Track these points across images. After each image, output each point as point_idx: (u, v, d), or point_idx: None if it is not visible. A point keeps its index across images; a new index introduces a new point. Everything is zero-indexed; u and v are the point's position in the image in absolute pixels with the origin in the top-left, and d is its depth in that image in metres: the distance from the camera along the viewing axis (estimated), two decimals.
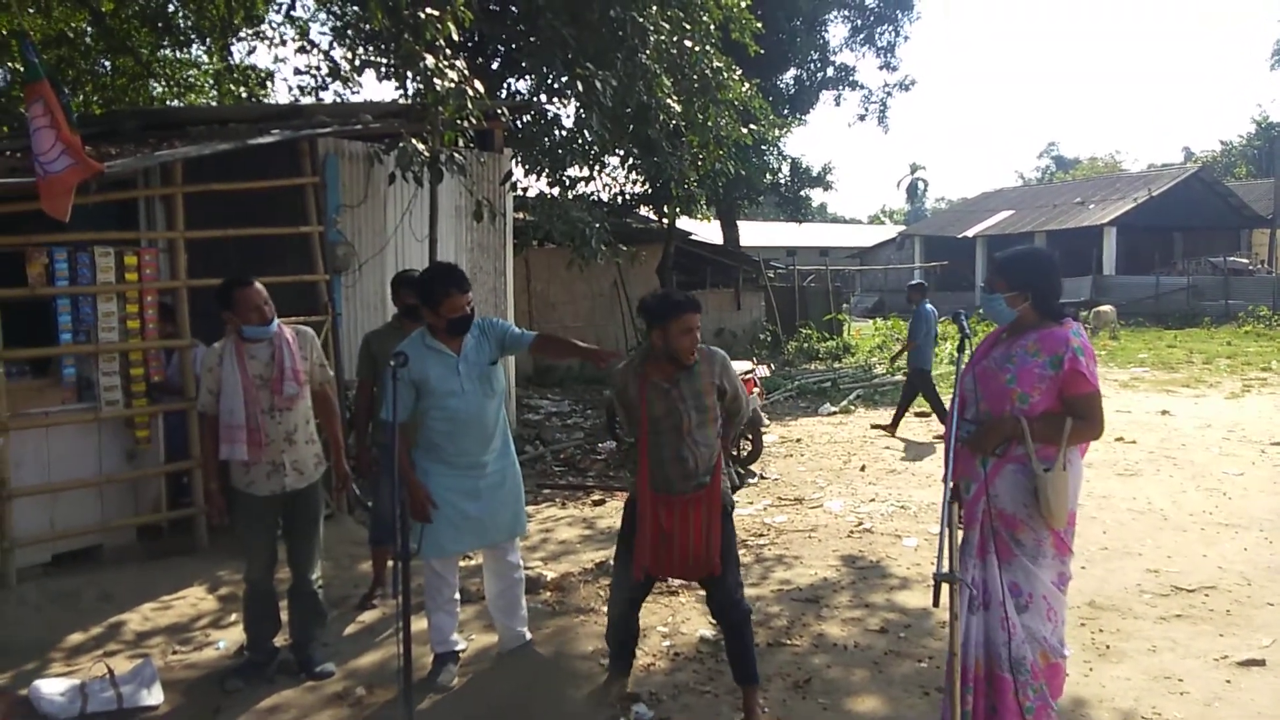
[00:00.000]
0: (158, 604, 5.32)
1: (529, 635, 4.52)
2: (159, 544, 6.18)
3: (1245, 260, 33.39)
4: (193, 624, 5.08)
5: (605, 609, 5.16)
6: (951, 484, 3.18)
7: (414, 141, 6.91)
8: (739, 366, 9.98)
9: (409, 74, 7.77)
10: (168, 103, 16.00)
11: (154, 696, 4.09)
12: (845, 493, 8.01)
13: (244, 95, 15.38)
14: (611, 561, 5.83)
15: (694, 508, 3.79)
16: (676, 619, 5.04)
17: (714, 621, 4.24)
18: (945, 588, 3.02)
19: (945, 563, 3.00)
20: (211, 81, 16.23)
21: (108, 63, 15.13)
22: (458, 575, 4.46)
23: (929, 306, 10.91)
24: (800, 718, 3.91)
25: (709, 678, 4.32)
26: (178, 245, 6.23)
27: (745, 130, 10.96)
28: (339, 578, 5.78)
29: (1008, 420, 3.28)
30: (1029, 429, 3.23)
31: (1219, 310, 26.34)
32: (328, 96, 13.90)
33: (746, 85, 10.71)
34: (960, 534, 3.28)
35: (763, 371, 10.74)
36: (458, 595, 4.47)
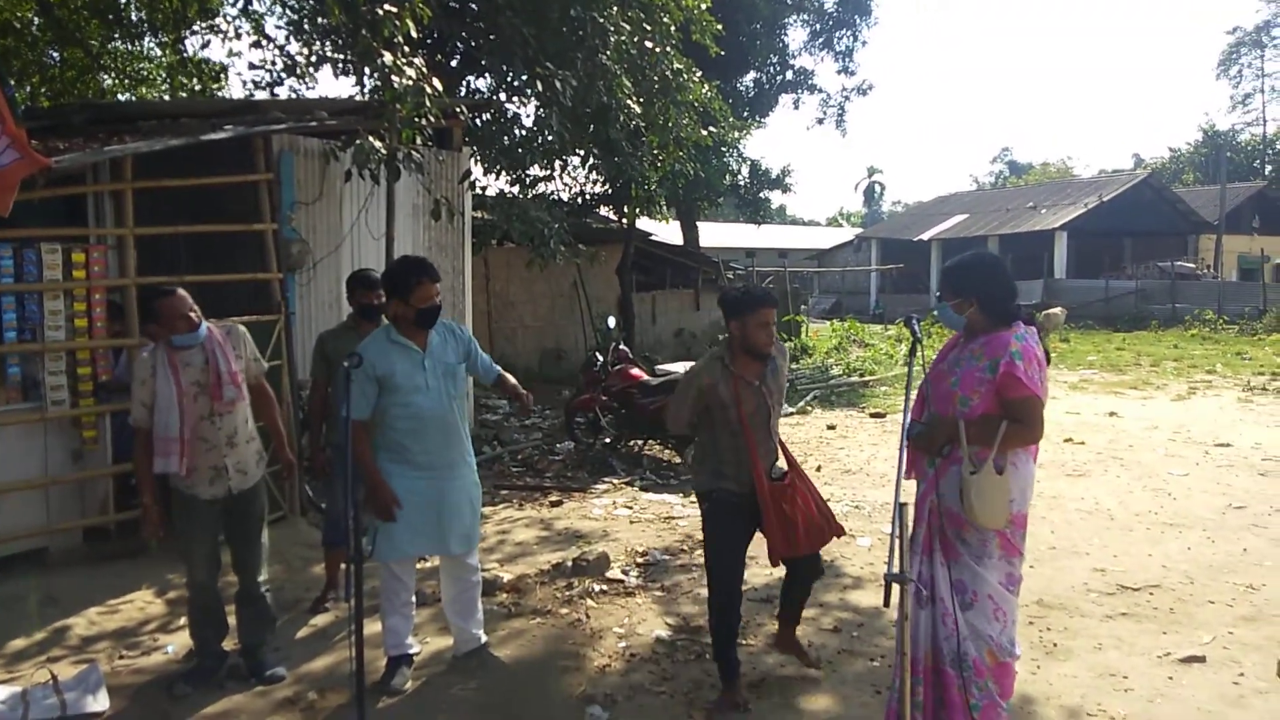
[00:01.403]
0: (104, 608, 5.22)
1: (484, 638, 4.50)
2: (106, 546, 6.06)
3: (1192, 265, 34.21)
4: (140, 628, 4.99)
5: (563, 610, 5.17)
6: (903, 486, 3.23)
7: (371, 139, 6.84)
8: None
9: (366, 70, 7.69)
10: (118, 96, 15.69)
11: (99, 703, 4.01)
12: None
13: (197, 89, 15.10)
14: (574, 563, 5.85)
15: (795, 488, 4.09)
16: (633, 620, 5.04)
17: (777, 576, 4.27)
18: (896, 588, 3.06)
19: (896, 563, 3.05)
20: (164, 75, 15.93)
21: (56, 54, 14.77)
22: (414, 578, 4.43)
23: None
24: (755, 717, 3.93)
25: (664, 678, 4.33)
26: (127, 242, 6.11)
27: (705, 132, 11.01)
28: (291, 580, 5.72)
29: (948, 421, 3.34)
30: (965, 430, 3.29)
31: (1166, 314, 26.94)
32: (283, 92, 13.70)
33: (706, 87, 10.76)
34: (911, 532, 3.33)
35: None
36: (414, 598, 4.43)
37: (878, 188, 75.71)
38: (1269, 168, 51.62)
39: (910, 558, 3.46)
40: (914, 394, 3.35)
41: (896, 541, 3.09)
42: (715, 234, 41.31)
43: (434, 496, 4.12)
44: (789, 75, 23.32)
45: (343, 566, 5.37)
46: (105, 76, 15.51)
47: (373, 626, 4.39)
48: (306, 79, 13.50)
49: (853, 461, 9.38)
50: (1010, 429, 3.26)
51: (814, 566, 4.29)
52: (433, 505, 4.12)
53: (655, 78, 9.74)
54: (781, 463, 4.17)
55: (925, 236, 39.27)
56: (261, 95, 13.40)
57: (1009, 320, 3.38)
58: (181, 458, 4.03)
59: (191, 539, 4.20)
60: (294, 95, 13.61)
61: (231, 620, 4.40)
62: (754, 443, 3.96)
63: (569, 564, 5.85)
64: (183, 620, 4.89)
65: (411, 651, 4.39)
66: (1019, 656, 3.53)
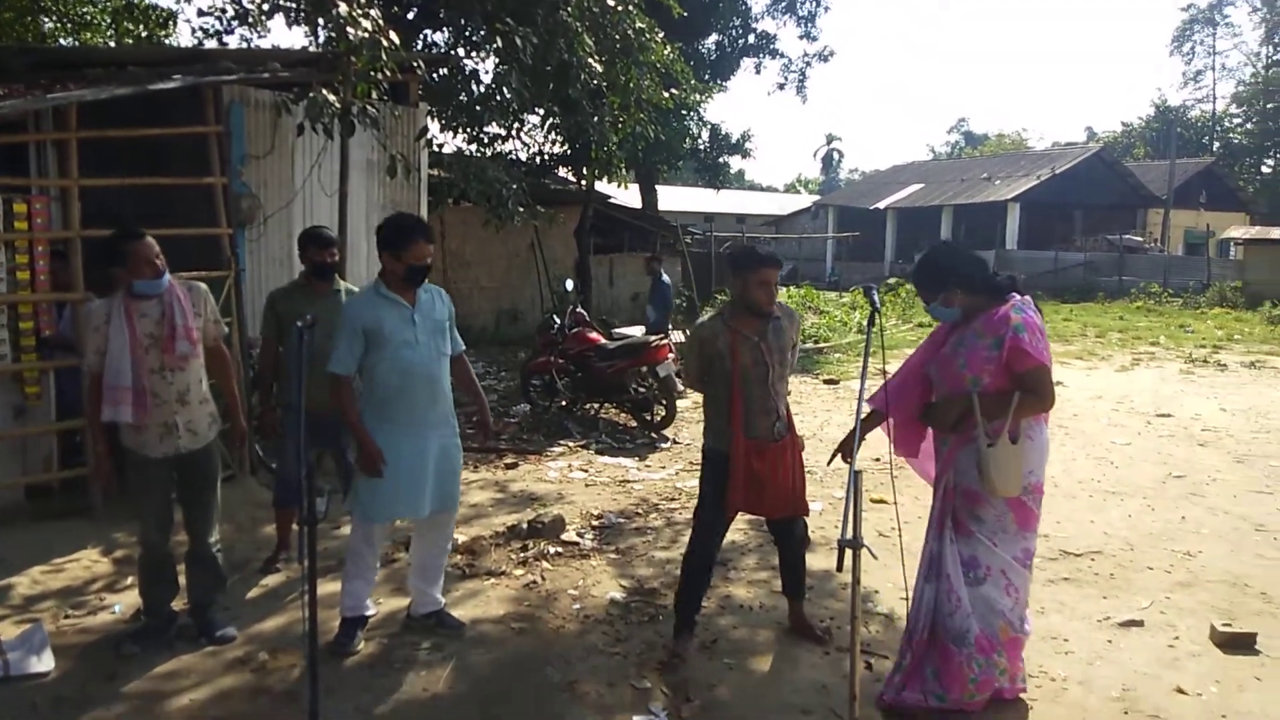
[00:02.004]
0: (49, 567, 5.12)
1: (444, 602, 4.49)
2: (50, 505, 5.94)
3: (1140, 239, 34.86)
4: (86, 587, 4.91)
5: (518, 572, 5.18)
6: (858, 455, 3.28)
7: (324, 92, 6.68)
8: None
9: (320, 20, 7.49)
10: (60, 40, 15.14)
11: (44, 663, 3.95)
12: None
13: (144, 36, 14.63)
14: (529, 525, 5.87)
15: (783, 454, 4.13)
16: (588, 582, 5.07)
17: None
18: (849, 553, 3.12)
19: (850, 529, 3.09)
20: (108, 20, 15.39)
21: None
22: (383, 544, 4.39)
23: (665, 278, 12.50)
24: (707, 677, 3.98)
25: (617, 640, 4.36)
26: (71, 194, 5.93)
27: (667, 94, 10.92)
28: (241, 540, 5.65)
29: (960, 398, 3.40)
30: (979, 404, 3.34)
31: (1113, 286, 27.48)
32: (233, 41, 13.34)
33: (668, 48, 10.64)
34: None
35: (678, 337, 10.82)
36: (378, 563, 4.40)
37: (836, 155, 75.87)
38: (1217, 144, 52.62)
39: (926, 533, 3.58)
40: (872, 362, 3.38)
41: (850, 509, 3.13)
42: (673, 198, 41.17)
43: (420, 456, 4.08)
44: (751, 39, 23.25)
45: (294, 527, 5.32)
46: (46, 20, 14.95)
47: (324, 588, 4.36)
48: (258, 28, 13.16)
49: (806, 428, 9.46)
50: (1023, 399, 3.33)
51: (789, 530, 4.36)
52: (419, 465, 4.08)
53: (617, 36, 9.61)
54: (784, 427, 4.18)
55: (881, 205, 39.54)
56: (211, 44, 13.02)
57: (1000, 293, 3.43)
58: (138, 408, 3.96)
59: (142, 498, 4.13)
60: (245, 45, 13.25)
61: (181, 580, 4.35)
62: (738, 396, 4.04)
63: (524, 526, 5.85)
64: (130, 580, 4.84)
65: (368, 614, 4.37)
66: (1029, 634, 3.66)
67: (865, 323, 3.53)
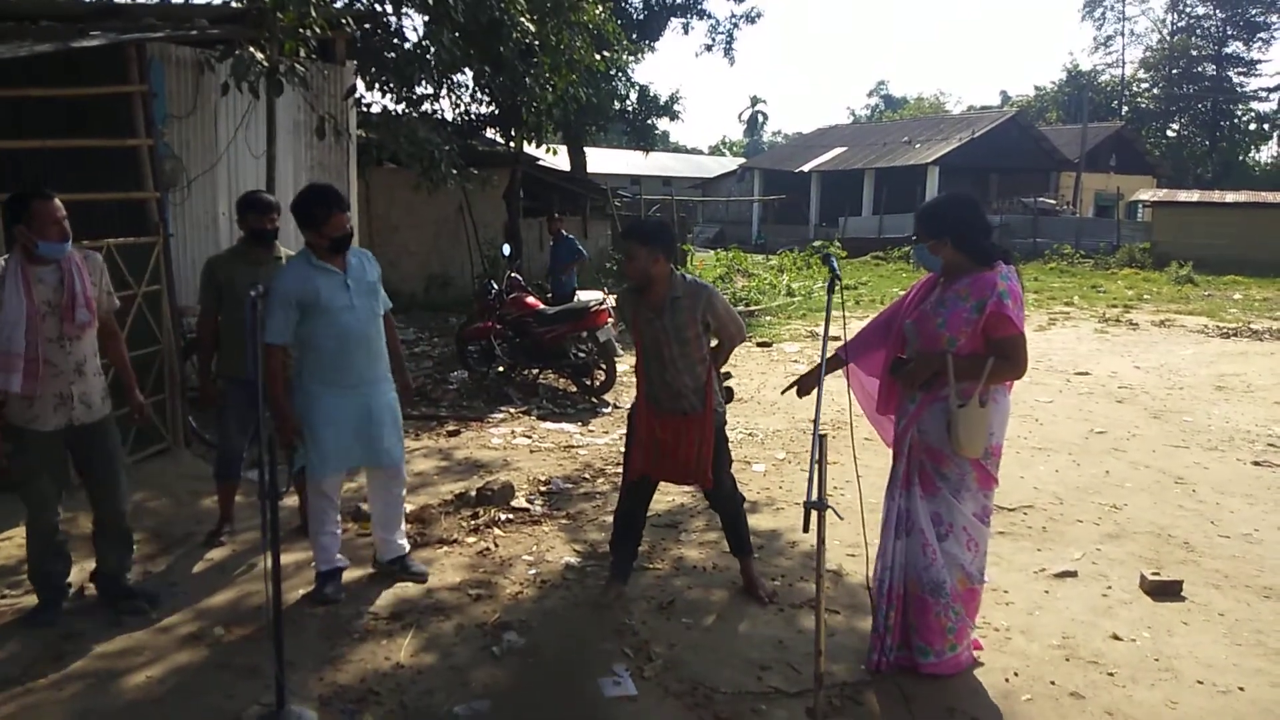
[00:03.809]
0: None
1: (407, 547, 4.63)
2: None
3: (1053, 201, 35.89)
4: (21, 566, 4.72)
5: (470, 539, 5.17)
6: (820, 418, 3.34)
7: (251, 49, 6.46)
8: (591, 296, 10.01)
9: None
10: None
11: None
12: None
13: None
14: (478, 492, 5.84)
15: (688, 427, 4.17)
16: (541, 547, 5.09)
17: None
18: (814, 514, 3.18)
19: (815, 491, 3.16)
20: None
21: None
22: (340, 495, 4.48)
23: (570, 238, 12.29)
24: (665, 637, 4.04)
25: (575, 603, 4.40)
26: None
27: (599, 56, 10.82)
28: (180, 514, 5.51)
29: (935, 357, 3.46)
30: (953, 365, 3.42)
31: (1028, 248, 28.26)
32: None
33: (599, 7, 10.53)
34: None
35: (613, 301, 10.81)
36: (339, 516, 4.51)
37: (760, 117, 76.33)
38: (1126, 109, 54.32)
39: (890, 490, 3.66)
40: (834, 329, 3.43)
41: (814, 472, 3.19)
42: (601, 160, 40.85)
43: (361, 413, 4.23)
44: None
45: (237, 499, 5.21)
46: None
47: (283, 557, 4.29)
48: None
49: (743, 390, 9.59)
50: (997, 365, 3.40)
51: (714, 493, 4.43)
52: (361, 421, 4.23)
53: None
54: (697, 401, 4.18)
55: (806, 168, 39.88)
56: None
57: (989, 259, 3.48)
58: (28, 377, 3.75)
59: (29, 475, 3.93)
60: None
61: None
62: (640, 366, 4.23)
63: (472, 494, 5.82)
64: None
65: (341, 566, 4.46)
66: (986, 583, 3.80)
67: (826, 292, 3.56)
